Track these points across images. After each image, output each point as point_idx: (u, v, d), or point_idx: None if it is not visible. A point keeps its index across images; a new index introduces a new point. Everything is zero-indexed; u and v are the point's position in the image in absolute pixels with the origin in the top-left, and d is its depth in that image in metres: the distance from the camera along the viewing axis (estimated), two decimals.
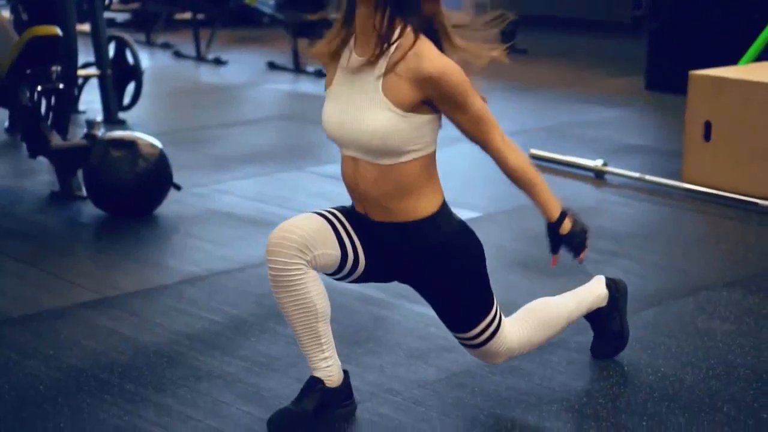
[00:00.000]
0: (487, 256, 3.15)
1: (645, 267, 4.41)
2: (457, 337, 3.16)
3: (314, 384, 3.03)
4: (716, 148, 5.51)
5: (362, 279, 3.08)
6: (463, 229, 3.05)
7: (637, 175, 5.66)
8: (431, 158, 2.95)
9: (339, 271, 3.02)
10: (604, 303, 3.45)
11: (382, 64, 2.85)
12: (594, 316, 3.46)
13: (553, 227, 3.09)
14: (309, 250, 2.91)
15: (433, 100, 2.86)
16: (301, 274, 2.91)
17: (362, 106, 2.88)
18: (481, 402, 3.22)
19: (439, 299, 3.09)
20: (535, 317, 3.27)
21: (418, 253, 2.99)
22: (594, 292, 3.44)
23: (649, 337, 3.70)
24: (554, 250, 3.14)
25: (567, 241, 3.11)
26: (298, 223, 2.95)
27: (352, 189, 3.00)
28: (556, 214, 3.07)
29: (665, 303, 4.02)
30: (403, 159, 2.88)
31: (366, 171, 2.92)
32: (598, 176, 5.77)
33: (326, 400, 3.03)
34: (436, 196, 2.99)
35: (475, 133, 2.94)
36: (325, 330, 3.00)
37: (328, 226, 2.97)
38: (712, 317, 3.88)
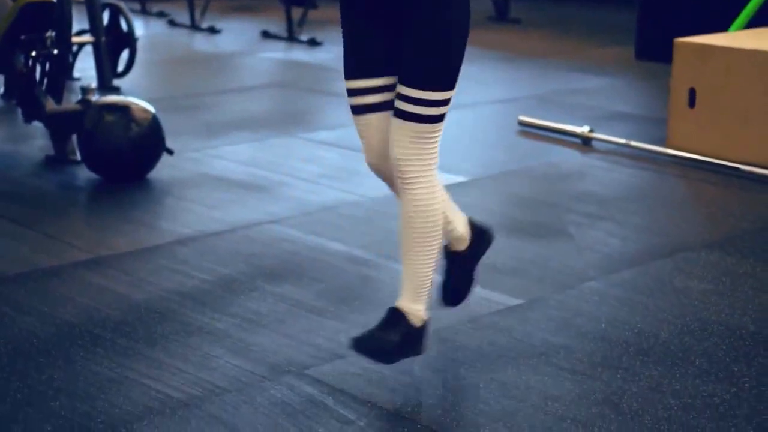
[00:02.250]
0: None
1: (627, 229, 4.52)
2: (402, 96, 2.98)
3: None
4: (700, 114, 5.60)
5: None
6: None
7: (622, 141, 5.75)
8: None
9: None
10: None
11: None
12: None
13: None
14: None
15: None
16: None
17: None
18: (462, 356, 3.33)
19: (413, 41, 2.97)
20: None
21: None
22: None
23: (628, 295, 3.81)
24: None
25: None
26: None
27: None
28: None
29: (645, 263, 4.12)
30: None
31: None
32: (585, 142, 5.86)
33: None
34: None
35: None
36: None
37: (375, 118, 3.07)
38: (690, 277, 3.99)
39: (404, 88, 2.99)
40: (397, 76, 3.02)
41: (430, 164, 3.03)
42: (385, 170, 3.14)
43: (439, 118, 3.02)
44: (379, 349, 3.07)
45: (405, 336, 3.09)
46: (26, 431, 2.87)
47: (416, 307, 3.10)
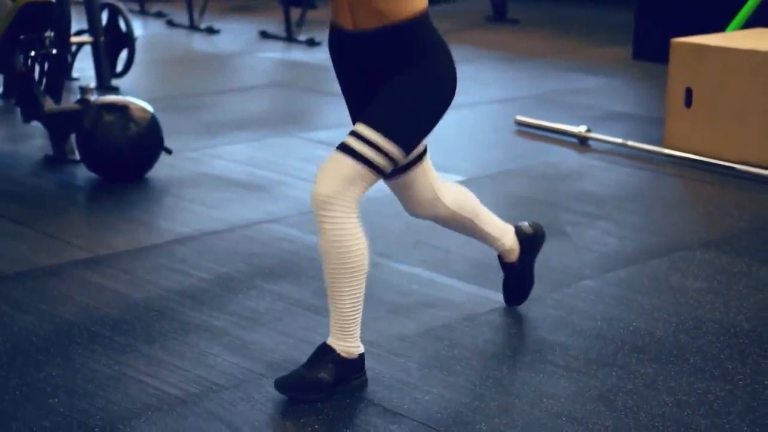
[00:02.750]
0: None
1: (623, 228, 4.54)
2: (353, 133, 2.98)
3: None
4: (697, 114, 5.62)
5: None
6: (441, 43, 3.04)
7: (619, 140, 5.77)
8: None
9: None
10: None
11: None
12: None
13: None
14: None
15: None
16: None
17: None
18: (458, 354, 3.35)
19: (387, 86, 2.99)
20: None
21: (399, 53, 2.99)
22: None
23: (623, 293, 3.83)
24: None
25: None
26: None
27: None
28: None
29: (641, 262, 4.14)
30: None
31: None
32: (582, 142, 5.88)
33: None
34: (422, 1, 3.01)
35: None
36: None
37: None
38: (686, 276, 4.01)
39: (359, 125, 2.98)
40: None
41: (350, 207, 2.96)
42: (426, 215, 3.35)
43: (378, 169, 2.96)
44: (306, 386, 3.03)
45: (336, 370, 3.05)
46: (25, 427, 2.89)
47: (344, 344, 3.08)
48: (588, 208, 4.79)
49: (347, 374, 3.08)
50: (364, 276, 3.04)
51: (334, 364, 3.06)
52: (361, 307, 3.08)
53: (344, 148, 2.96)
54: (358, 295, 3.05)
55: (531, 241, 3.63)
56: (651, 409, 3.01)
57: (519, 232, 3.61)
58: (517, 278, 3.64)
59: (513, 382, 3.17)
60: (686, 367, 3.26)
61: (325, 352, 3.08)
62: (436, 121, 3.04)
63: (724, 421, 2.95)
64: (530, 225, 3.66)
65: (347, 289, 3.03)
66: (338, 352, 3.07)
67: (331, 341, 3.09)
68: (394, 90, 2.98)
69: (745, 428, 2.91)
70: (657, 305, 3.73)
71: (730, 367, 3.27)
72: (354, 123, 3.10)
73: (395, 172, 3.23)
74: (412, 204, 3.36)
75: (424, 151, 3.29)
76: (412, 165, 3.25)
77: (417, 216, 3.41)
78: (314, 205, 2.98)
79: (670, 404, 3.04)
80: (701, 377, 3.20)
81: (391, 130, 2.95)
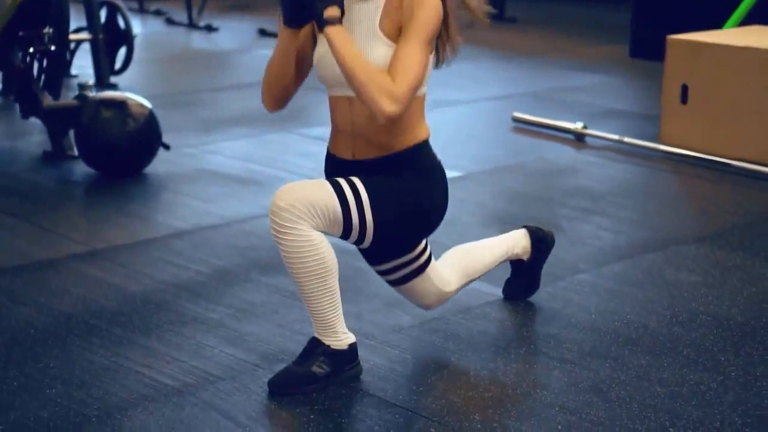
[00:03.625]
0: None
1: (618, 223, 4.56)
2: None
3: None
4: (692, 110, 5.65)
5: None
6: (438, 168, 3.13)
7: (615, 137, 5.80)
8: (423, 98, 3.07)
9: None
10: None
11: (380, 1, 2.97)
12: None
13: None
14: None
15: (402, 22, 2.94)
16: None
17: (359, 43, 2.98)
18: (452, 345, 3.37)
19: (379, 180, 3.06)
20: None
21: (386, 167, 3.06)
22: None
23: (618, 287, 3.85)
24: None
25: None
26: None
27: (342, 130, 3.09)
28: None
29: (635, 256, 4.16)
30: None
31: (362, 109, 3.00)
32: (579, 138, 5.90)
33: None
34: (423, 131, 3.10)
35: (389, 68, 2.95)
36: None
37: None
38: (680, 270, 4.03)
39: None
40: None
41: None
42: (440, 304, 3.45)
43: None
44: (300, 381, 3.05)
45: (328, 362, 3.06)
46: (23, 417, 2.92)
47: (331, 339, 3.08)
48: (583, 203, 4.82)
49: (340, 365, 3.09)
50: (335, 274, 3.03)
51: (326, 357, 3.07)
52: (339, 302, 3.05)
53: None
54: (334, 294, 3.03)
55: (542, 242, 3.65)
56: (643, 399, 3.03)
57: (531, 231, 3.65)
58: (524, 276, 3.67)
59: (507, 374, 3.19)
60: (679, 359, 3.29)
61: (315, 345, 3.08)
62: (425, 230, 3.19)
63: (716, 411, 2.97)
64: (543, 229, 3.69)
65: (317, 291, 3.00)
66: (327, 344, 3.08)
67: (319, 335, 3.10)
68: (392, 185, 3.05)
69: (736, 419, 2.93)
70: (651, 298, 3.75)
71: (723, 359, 3.29)
72: None
73: (399, 281, 3.30)
74: (421, 303, 3.41)
75: (426, 263, 3.30)
76: (413, 276, 3.30)
77: (430, 309, 3.47)
78: (271, 219, 2.99)
79: (662, 395, 3.06)
80: (694, 369, 3.22)
81: (390, 253, 3.23)
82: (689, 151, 5.53)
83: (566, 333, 3.47)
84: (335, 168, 3.16)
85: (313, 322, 3.08)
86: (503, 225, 4.50)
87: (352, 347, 3.11)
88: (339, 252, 4.15)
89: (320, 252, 2.96)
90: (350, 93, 3.02)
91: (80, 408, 2.97)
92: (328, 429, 2.88)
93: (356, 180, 3.02)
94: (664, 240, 4.35)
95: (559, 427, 2.89)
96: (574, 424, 2.90)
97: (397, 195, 3.04)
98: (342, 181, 3.01)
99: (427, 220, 3.14)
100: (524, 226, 3.68)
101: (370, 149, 3.06)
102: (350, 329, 3.44)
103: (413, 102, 3.00)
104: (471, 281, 3.51)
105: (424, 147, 3.10)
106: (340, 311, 3.07)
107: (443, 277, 3.37)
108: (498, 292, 3.77)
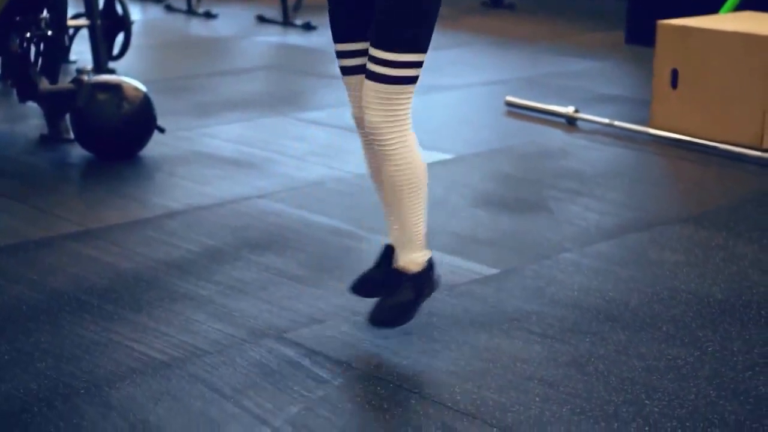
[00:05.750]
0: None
1: (605, 204, 4.62)
2: (374, 58, 3.07)
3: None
4: (682, 94, 5.70)
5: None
6: None
7: (606, 121, 5.85)
8: None
9: None
10: (416, 269, 3.29)
11: None
12: (395, 276, 3.32)
13: None
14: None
15: None
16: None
17: None
18: (437, 321, 3.44)
19: (384, 2, 3.07)
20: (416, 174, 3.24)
21: None
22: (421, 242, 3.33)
23: (602, 266, 3.91)
24: None
25: None
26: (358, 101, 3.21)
27: None
28: None
29: (620, 237, 4.23)
30: None
31: None
32: (570, 122, 5.96)
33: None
34: None
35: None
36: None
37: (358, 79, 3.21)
38: (664, 249, 4.09)
39: (374, 50, 3.09)
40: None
41: (402, 124, 3.13)
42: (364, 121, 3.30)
43: (409, 80, 3.11)
44: (397, 312, 3.25)
45: (414, 288, 3.27)
46: (13, 389, 2.98)
47: (414, 256, 3.26)
48: (572, 185, 4.87)
49: (425, 285, 3.29)
50: (426, 188, 3.23)
51: (412, 282, 3.26)
52: (425, 217, 3.27)
53: (373, 76, 3.09)
54: (423, 207, 3.24)
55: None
56: (621, 373, 3.10)
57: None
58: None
59: (488, 348, 3.26)
60: (658, 335, 3.35)
61: (398, 275, 3.28)
62: (436, 14, 3.12)
63: (691, 384, 3.03)
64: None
65: (417, 202, 3.21)
66: (410, 271, 3.27)
67: (403, 261, 3.28)
68: (391, 2, 3.05)
69: (711, 391, 3.00)
70: (634, 277, 3.82)
71: (701, 334, 3.36)
72: (336, 36, 3.24)
73: (380, 78, 3.12)
74: (359, 110, 3.27)
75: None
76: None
77: (358, 118, 3.28)
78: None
79: (639, 369, 3.12)
80: (672, 344, 3.29)
81: (405, 44, 3.06)
82: (678, 135, 5.59)
83: (549, 310, 3.54)
84: None
85: (400, 244, 3.27)
86: (491, 206, 4.57)
87: (430, 262, 3.31)
88: (329, 232, 4.24)
89: (420, 162, 3.18)
90: None
91: (69, 380, 3.03)
92: (311, 401, 2.95)
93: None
94: (650, 221, 4.41)
95: (537, 399, 2.95)
96: (551, 396, 2.96)
97: (413, 9, 3.05)
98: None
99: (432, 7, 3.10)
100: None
101: None
102: (336, 305, 3.53)
103: None
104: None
105: None
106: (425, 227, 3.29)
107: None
108: (484, 270, 3.83)
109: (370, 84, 3.10)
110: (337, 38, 3.27)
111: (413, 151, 3.16)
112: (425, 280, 3.31)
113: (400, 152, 3.13)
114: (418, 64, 3.11)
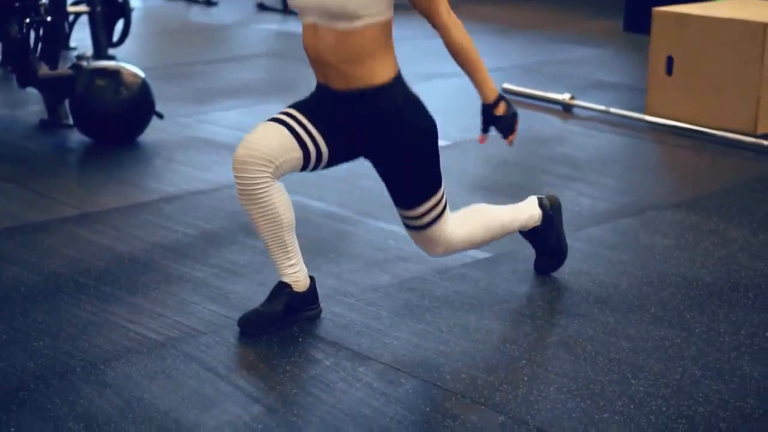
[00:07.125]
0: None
1: (598, 189, 4.66)
2: (403, 216, 3.34)
3: (282, 288, 3.29)
4: (677, 81, 5.74)
5: (331, 164, 3.29)
6: (416, 102, 3.22)
7: (602, 108, 5.90)
8: (385, 27, 3.11)
9: (306, 167, 3.25)
10: (538, 222, 3.65)
11: None
12: (531, 235, 3.68)
13: (487, 108, 3.31)
14: (272, 162, 3.15)
15: None
16: (266, 187, 3.17)
17: None
18: (428, 303, 3.49)
19: (391, 171, 3.28)
20: (477, 218, 3.48)
21: (373, 120, 3.17)
22: (528, 210, 3.64)
23: (593, 249, 3.96)
24: (485, 129, 3.35)
25: (498, 122, 3.31)
26: (259, 137, 3.18)
27: (313, 58, 3.18)
28: (492, 95, 3.29)
29: (612, 221, 4.27)
30: (358, 24, 3.04)
31: (325, 37, 3.10)
32: (566, 109, 6.00)
33: (293, 304, 3.29)
34: (391, 65, 3.16)
35: (423, 4, 3.13)
36: (291, 239, 3.26)
37: (287, 132, 3.18)
38: (655, 233, 4.14)
39: (399, 209, 3.35)
40: (324, 148, 3.23)
41: (445, 222, 3.38)
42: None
43: (439, 216, 3.33)
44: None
45: (547, 229, 3.65)
46: (10, 367, 3.04)
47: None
48: (566, 170, 4.92)
49: (552, 222, 3.65)
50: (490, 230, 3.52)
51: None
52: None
53: (414, 229, 3.36)
54: (498, 231, 3.55)
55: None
56: (608, 353, 3.15)
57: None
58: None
59: (478, 329, 3.30)
60: (646, 317, 3.40)
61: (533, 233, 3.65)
62: (437, 150, 3.30)
63: (677, 364, 3.08)
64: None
65: (491, 237, 3.53)
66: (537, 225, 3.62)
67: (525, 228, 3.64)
68: (401, 171, 3.26)
69: (696, 371, 3.05)
70: (624, 260, 3.86)
71: (689, 316, 3.41)
72: (298, 107, 3.29)
73: (423, 227, 3.35)
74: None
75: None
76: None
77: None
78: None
79: (627, 349, 3.17)
80: (659, 325, 3.34)
81: (421, 197, 3.29)
82: (673, 121, 5.63)
83: (539, 292, 3.58)
84: (319, 105, 3.26)
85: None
86: (485, 191, 4.61)
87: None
88: (323, 216, 4.28)
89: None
90: (316, 20, 3.10)
91: (66, 359, 3.09)
92: (303, 380, 3.00)
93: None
94: (642, 206, 4.46)
95: (525, 378, 3.00)
96: (539, 376, 3.01)
97: (422, 167, 3.27)
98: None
99: (435, 134, 3.28)
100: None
101: (339, 78, 3.14)
102: (329, 287, 3.57)
103: (371, 29, 3.07)
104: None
105: (397, 85, 3.17)
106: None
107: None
108: (477, 253, 3.88)
109: (414, 235, 3.39)
110: (300, 110, 3.26)
111: (460, 229, 3.41)
112: (549, 220, 3.65)
113: (453, 238, 3.40)
114: (440, 199, 3.32)
